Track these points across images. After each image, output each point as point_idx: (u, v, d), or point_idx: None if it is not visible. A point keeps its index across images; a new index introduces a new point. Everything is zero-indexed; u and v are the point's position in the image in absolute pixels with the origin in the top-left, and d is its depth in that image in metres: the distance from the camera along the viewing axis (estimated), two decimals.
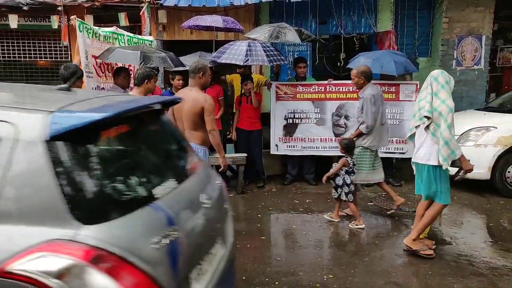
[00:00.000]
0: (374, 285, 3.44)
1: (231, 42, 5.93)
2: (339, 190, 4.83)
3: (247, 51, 5.56)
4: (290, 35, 5.98)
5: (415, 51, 8.35)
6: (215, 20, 6.25)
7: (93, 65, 5.41)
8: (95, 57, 5.33)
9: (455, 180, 4.07)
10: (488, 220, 5.04)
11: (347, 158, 4.79)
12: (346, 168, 4.78)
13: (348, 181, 4.77)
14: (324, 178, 4.93)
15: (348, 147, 4.83)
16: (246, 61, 5.54)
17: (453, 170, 4.08)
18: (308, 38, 6.63)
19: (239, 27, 6.49)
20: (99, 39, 5.49)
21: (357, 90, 6.21)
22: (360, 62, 6.44)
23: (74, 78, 4.55)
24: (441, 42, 8.12)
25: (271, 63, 5.74)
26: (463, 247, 4.26)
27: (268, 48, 5.77)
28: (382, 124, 4.98)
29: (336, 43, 8.49)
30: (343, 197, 4.80)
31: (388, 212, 5.21)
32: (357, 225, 4.74)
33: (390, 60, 6.14)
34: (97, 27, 5.65)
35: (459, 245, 4.30)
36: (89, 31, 5.28)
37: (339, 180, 4.82)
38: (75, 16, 5.39)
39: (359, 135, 4.89)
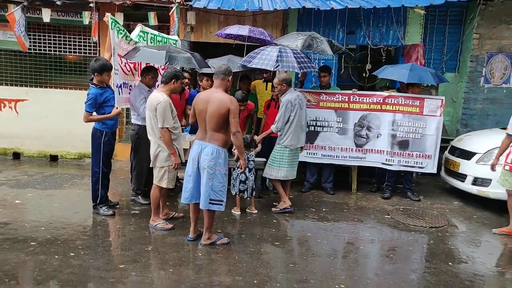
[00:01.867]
0: None
1: (262, 47, 5.96)
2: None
3: (277, 56, 5.55)
4: (323, 46, 5.99)
5: (443, 66, 8.23)
6: (242, 29, 6.38)
7: (119, 63, 5.52)
8: (121, 56, 5.44)
9: None
10: (507, 241, 4.90)
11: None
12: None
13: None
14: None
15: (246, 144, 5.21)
16: (276, 67, 5.53)
17: None
18: (339, 50, 6.62)
19: (269, 38, 6.49)
20: (129, 43, 5.60)
21: (380, 102, 6.23)
22: (386, 72, 6.43)
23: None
24: (470, 59, 7.97)
25: (301, 70, 5.72)
26: (479, 266, 4.16)
27: (298, 55, 5.77)
28: (302, 126, 5.49)
29: (363, 53, 8.43)
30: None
31: (273, 209, 5.53)
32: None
33: (425, 70, 6.27)
34: (129, 33, 5.72)
35: (475, 265, 4.20)
36: (120, 31, 5.39)
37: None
38: (109, 14, 5.50)
39: (280, 135, 5.47)
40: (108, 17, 5.30)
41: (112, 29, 5.24)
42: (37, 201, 5.61)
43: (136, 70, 5.82)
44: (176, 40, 6.56)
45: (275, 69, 5.63)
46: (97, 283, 3.47)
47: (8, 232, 4.45)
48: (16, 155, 8.22)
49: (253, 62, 5.66)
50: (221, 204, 4.23)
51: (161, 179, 4.65)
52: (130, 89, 5.62)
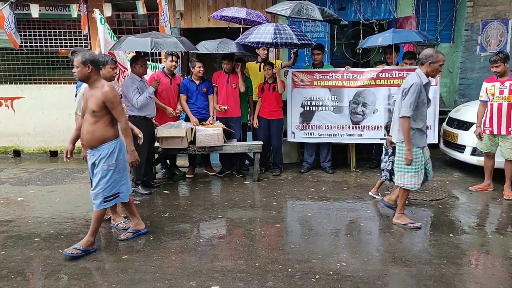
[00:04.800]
0: (387, 274, 3.43)
1: (256, 26, 5.93)
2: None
3: (275, 29, 5.54)
4: (313, 12, 5.89)
5: (437, 36, 8.14)
6: (239, 11, 6.33)
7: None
8: (113, 54, 5.49)
9: None
10: (507, 209, 4.92)
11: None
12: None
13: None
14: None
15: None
16: (275, 39, 5.50)
17: None
18: (331, 17, 6.51)
19: (265, 21, 6.42)
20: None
21: (373, 77, 6.18)
22: (370, 41, 6.42)
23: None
24: (464, 27, 7.90)
25: (300, 41, 5.69)
26: (480, 236, 4.19)
27: (295, 29, 5.75)
28: None
29: (355, 29, 8.34)
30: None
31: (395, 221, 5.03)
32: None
33: (408, 31, 6.56)
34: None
35: (475, 235, 4.23)
36: (109, 31, 5.44)
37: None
38: (97, 9, 5.49)
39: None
40: (96, 12, 5.31)
41: (102, 24, 5.28)
42: (39, 197, 5.65)
43: (122, 78, 5.87)
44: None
45: (273, 41, 5.57)
46: (102, 274, 3.51)
47: (11, 229, 4.49)
48: (17, 153, 8.26)
49: (250, 37, 5.63)
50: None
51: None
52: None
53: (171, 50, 5.53)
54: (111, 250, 4.02)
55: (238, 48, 5.90)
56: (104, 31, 5.40)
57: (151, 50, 5.15)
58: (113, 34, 5.70)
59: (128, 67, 5.78)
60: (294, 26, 5.82)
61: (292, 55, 6.84)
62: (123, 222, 4.51)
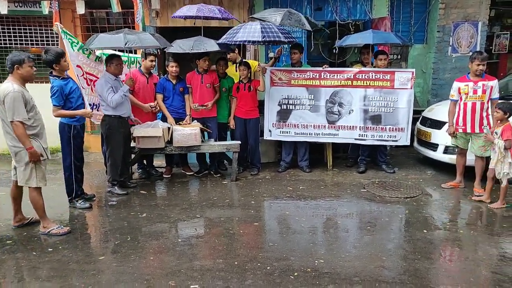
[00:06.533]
0: (364, 269, 3.48)
1: (240, 24, 5.93)
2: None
3: (261, 28, 5.55)
4: (302, 20, 5.97)
5: (411, 37, 8.32)
6: (191, 9, 6.20)
7: (77, 75, 5.55)
8: (81, 68, 5.57)
9: None
10: (478, 205, 5.08)
11: None
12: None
13: None
14: None
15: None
16: (263, 37, 5.51)
17: None
18: (316, 27, 6.59)
19: (219, 15, 6.34)
20: (88, 57, 5.67)
21: (350, 78, 6.26)
22: (350, 40, 6.53)
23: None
24: (437, 29, 8.09)
25: (286, 39, 5.75)
26: (452, 232, 4.31)
27: (280, 28, 5.80)
28: None
29: (331, 29, 8.44)
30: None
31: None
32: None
33: (387, 33, 6.66)
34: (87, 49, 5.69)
35: (448, 230, 4.35)
36: (73, 44, 5.42)
37: None
38: (57, 23, 5.42)
39: None
40: (57, 26, 5.25)
41: (64, 38, 5.26)
42: (10, 199, 5.47)
43: (94, 87, 5.82)
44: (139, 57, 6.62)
45: (262, 40, 5.59)
46: (78, 276, 3.44)
47: None
48: None
49: (237, 36, 5.61)
50: None
51: (29, 179, 4.20)
52: (92, 106, 5.75)
53: (145, 45, 5.46)
54: (87, 251, 3.95)
55: (214, 47, 5.88)
56: (68, 46, 5.38)
57: (125, 46, 5.09)
58: (77, 42, 5.60)
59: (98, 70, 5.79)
60: (279, 25, 5.82)
61: (271, 57, 6.87)
62: (57, 228, 4.37)
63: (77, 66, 5.45)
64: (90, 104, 5.65)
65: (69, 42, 5.42)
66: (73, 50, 5.45)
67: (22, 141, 4.04)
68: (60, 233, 4.28)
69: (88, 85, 5.74)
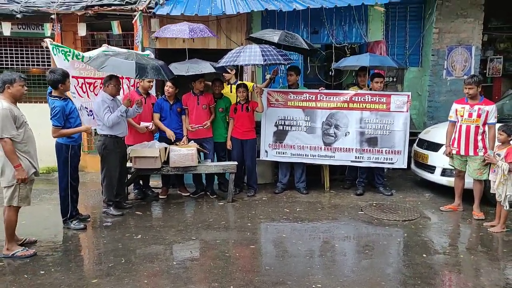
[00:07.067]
0: None
1: (239, 47, 6.01)
2: None
3: (261, 51, 5.63)
4: (298, 40, 6.11)
5: (406, 60, 8.43)
6: (182, 30, 6.26)
7: (74, 86, 5.55)
8: (76, 78, 5.56)
9: None
10: (477, 229, 5.04)
11: None
12: None
13: None
14: None
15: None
16: (265, 61, 5.58)
17: None
18: (312, 47, 6.68)
19: (211, 33, 6.49)
20: (82, 61, 5.62)
21: (347, 100, 6.31)
22: (347, 61, 6.65)
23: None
24: (431, 53, 8.20)
25: (286, 61, 5.88)
26: (452, 256, 4.26)
27: (278, 50, 5.88)
28: None
29: (328, 52, 8.54)
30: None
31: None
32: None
33: (383, 56, 6.87)
34: (79, 52, 5.74)
35: (448, 255, 4.30)
36: (67, 53, 5.41)
37: None
38: (47, 39, 5.43)
39: None
40: (47, 42, 5.26)
41: (55, 54, 5.26)
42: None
43: (91, 92, 5.85)
44: (148, 54, 6.50)
45: (264, 63, 5.67)
46: None
47: None
48: None
49: (239, 60, 5.67)
50: None
51: (11, 198, 4.16)
52: (88, 112, 5.72)
53: (155, 77, 5.48)
54: (80, 274, 3.87)
55: (209, 68, 5.93)
56: (60, 60, 5.37)
57: (136, 77, 5.11)
58: (76, 53, 5.60)
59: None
60: (275, 47, 5.91)
61: (267, 79, 6.94)
62: (21, 250, 4.27)
63: (73, 77, 5.40)
64: (87, 109, 5.69)
65: (62, 54, 5.36)
66: (68, 61, 5.42)
67: (10, 158, 4.04)
68: (26, 255, 4.19)
69: (84, 92, 5.75)
